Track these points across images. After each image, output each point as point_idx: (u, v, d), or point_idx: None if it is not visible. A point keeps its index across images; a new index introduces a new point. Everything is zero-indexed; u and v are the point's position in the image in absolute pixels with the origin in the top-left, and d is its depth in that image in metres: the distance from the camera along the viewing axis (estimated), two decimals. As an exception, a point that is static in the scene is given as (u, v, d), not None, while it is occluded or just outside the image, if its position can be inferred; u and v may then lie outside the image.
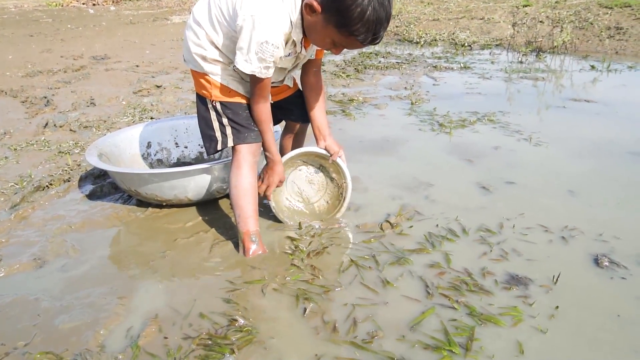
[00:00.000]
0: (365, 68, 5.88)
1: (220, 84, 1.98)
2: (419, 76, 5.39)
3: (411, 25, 8.88)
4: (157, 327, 1.66)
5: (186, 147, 3.01)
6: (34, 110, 4.64)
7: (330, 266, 1.97)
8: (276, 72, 1.98)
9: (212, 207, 2.52)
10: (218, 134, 2.04)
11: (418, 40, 7.67)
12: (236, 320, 1.67)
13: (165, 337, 1.61)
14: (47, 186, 2.88)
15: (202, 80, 2.01)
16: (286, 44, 1.82)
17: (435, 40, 7.65)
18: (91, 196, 2.73)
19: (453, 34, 7.98)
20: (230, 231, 2.28)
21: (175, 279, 1.94)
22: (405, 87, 4.89)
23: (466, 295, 1.75)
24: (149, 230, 2.34)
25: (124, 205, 2.58)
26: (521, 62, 5.94)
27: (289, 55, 1.90)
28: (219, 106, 2.01)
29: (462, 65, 5.79)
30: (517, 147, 3.16)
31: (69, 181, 2.93)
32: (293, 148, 2.40)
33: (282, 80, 2.15)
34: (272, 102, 2.12)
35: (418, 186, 2.66)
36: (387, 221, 2.27)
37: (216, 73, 1.97)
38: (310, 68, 2.16)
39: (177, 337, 1.61)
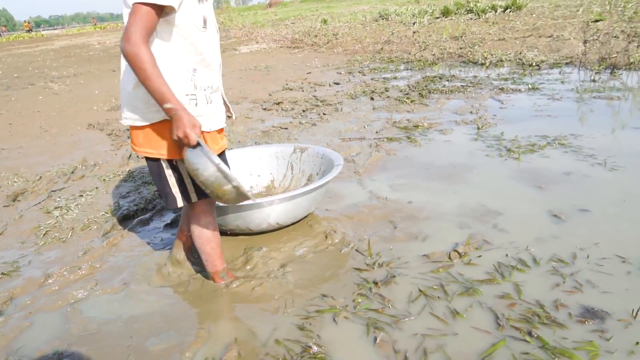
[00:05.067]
0: (430, 92, 5.89)
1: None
2: (484, 99, 5.33)
3: (475, 47, 8.79)
4: (237, 351, 1.77)
5: (259, 176, 3.17)
6: (119, 142, 5.04)
7: (399, 296, 2.02)
8: (209, 24, 1.83)
9: (283, 237, 2.64)
10: (176, 190, 1.94)
11: (483, 61, 7.59)
12: (310, 347, 1.75)
13: (245, 362, 1.72)
14: (133, 215, 3.13)
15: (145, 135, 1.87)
16: None
17: (501, 60, 7.54)
18: (172, 224, 2.94)
19: (520, 53, 7.83)
20: (301, 261, 2.39)
21: (252, 306, 2.06)
22: (471, 111, 4.87)
23: (538, 327, 1.74)
24: (227, 258, 2.48)
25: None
26: (594, 81, 5.73)
27: None
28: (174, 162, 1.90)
29: (530, 86, 5.67)
30: (590, 173, 3.07)
31: (152, 210, 3.17)
32: None
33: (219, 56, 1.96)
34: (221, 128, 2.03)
35: (486, 214, 2.65)
36: (456, 250, 2.29)
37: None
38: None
39: (255, 362, 1.72)
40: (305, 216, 2.76)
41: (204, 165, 1.72)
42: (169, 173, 1.91)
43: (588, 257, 2.15)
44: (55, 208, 3.36)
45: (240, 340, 1.84)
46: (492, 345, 1.68)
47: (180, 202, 1.95)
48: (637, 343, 1.62)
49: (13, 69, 13.49)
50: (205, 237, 2.10)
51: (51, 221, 3.15)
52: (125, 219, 3.08)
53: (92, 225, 3.04)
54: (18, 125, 6.33)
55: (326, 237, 2.57)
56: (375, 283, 2.11)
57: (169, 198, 1.95)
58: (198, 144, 1.73)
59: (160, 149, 1.85)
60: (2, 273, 2.55)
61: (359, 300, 2.01)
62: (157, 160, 1.88)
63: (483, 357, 1.63)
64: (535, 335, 1.69)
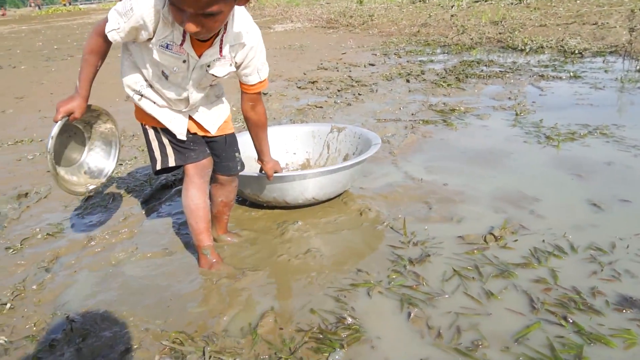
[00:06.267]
0: (467, 77, 5.80)
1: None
2: (523, 86, 5.22)
3: (515, 32, 8.57)
4: (274, 318, 1.82)
5: (294, 154, 3.20)
6: (157, 114, 5.13)
7: (433, 275, 2.03)
8: (172, 79, 1.84)
9: (318, 213, 2.68)
10: (157, 154, 2.06)
11: (523, 47, 7.40)
12: (345, 318, 1.79)
13: (281, 328, 1.77)
14: (171, 185, 3.21)
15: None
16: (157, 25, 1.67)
17: (541, 47, 7.34)
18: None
19: (562, 40, 7.60)
20: (336, 237, 2.42)
21: (287, 277, 2.10)
22: (509, 97, 4.78)
23: (574, 313, 1.73)
24: (263, 229, 2.54)
25: (238, 205, 2.81)
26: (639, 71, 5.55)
27: (167, 48, 1.72)
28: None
29: (571, 74, 5.52)
30: (633, 164, 3.00)
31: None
32: (218, 197, 2.32)
33: (184, 102, 1.95)
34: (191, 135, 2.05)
35: (523, 200, 2.63)
36: (491, 234, 2.28)
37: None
38: (245, 102, 2.11)
39: (291, 329, 1.77)
40: (341, 193, 2.79)
41: (49, 140, 1.93)
42: (152, 137, 2.06)
43: (628, 247, 2.12)
44: (97, 175, 3.46)
45: (276, 309, 1.88)
46: (526, 327, 1.68)
47: (159, 165, 2.07)
48: (677, 333, 1.61)
49: (52, 41, 13.79)
50: (189, 208, 2.10)
51: (92, 187, 3.24)
52: (164, 189, 3.16)
53: (132, 192, 3.13)
54: (58, 95, 6.49)
55: (361, 214, 2.59)
56: (410, 261, 2.13)
57: (152, 161, 2.10)
58: (56, 123, 1.92)
59: (143, 118, 2.04)
60: (48, 234, 2.66)
61: (393, 276, 2.03)
62: (144, 126, 2.06)
63: (517, 337, 1.64)
64: (571, 320, 1.69)
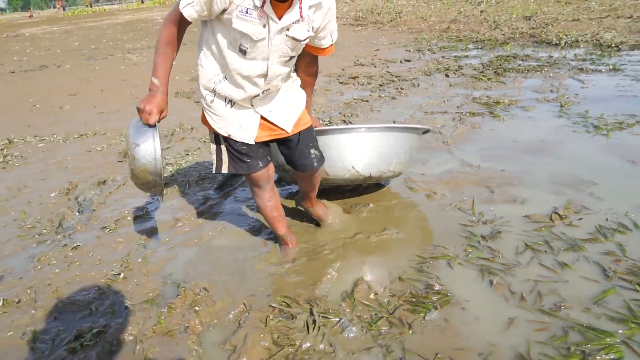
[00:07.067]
0: (505, 71, 5.92)
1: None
2: (563, 79, 5.33)
3: (549, 27, 8.63)
4: (367, 286, 2.02)
5: None
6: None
7: (506, 248, 2.21)
8: (251, 52, 1.80)
9: (386, 196, 2.86)
10: (214, 157, 2.12)
11: (558, 41, 7.48)
12: (432, 285, 1.98)
13: (375, 293, 1.97)
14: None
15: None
16: None
17: (576, 41, 7.41)
18: (276, 182, 3.21)
19: (597, 34, 7.65)
20: (408, 217, 2.61)
21: (371, 254, 2.30)
22: (551, 90, 4.90)
23: (646, 280, 1.90)
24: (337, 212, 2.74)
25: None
26: (679, 63, 5.61)
27: (247, 13, 1.71)
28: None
29: (610, 66, 5.61)
30: (683, 150, 3.13)
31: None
32: (301, 182, 2.34)
33: (261, 81, 1.89)
34: (264, 140, 2.05)
35: (581, 184, 2.78)
36: (556, 213, 2.45)
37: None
38: (304, 62, 2.10)
39: (384, 294, 1.96)
40: (396, 175, 2.69)
41: (146, 145, 1.77)
42: (212, 139, 2.11)
43: (689, 224, 2.27)
44: (168, 164, 3.71)
45: (366, 279, 2.08)
46: (602, 292, 1.85)
47: (214, 169, 2.13)
48: None
49: (88, 41, 14.20)
50: (257, 205, 2.28)
51: (166, 175, 3.49)
52: (234, 176, 3.38)
53: (204, 180, 3.37)
54: (109, 92, 6.80)
55: (427, 196, 2.78)
56: (482, 237, 2.31)
57: (213, 163, 2.14)
58: (154, 126, 1.79)
59: (208, 122, 2.04)
60: (136, 216, 2.91)
61: (469, 250, 2.22)
62: (210, 129, 2.07)
63: (595, 300, 1.81)
64: (644, 286, 1.86)
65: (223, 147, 2.08)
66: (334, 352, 1.68)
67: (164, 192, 1.81)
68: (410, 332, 1.75)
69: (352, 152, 2.45)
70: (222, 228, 2.66)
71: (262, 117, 2.01)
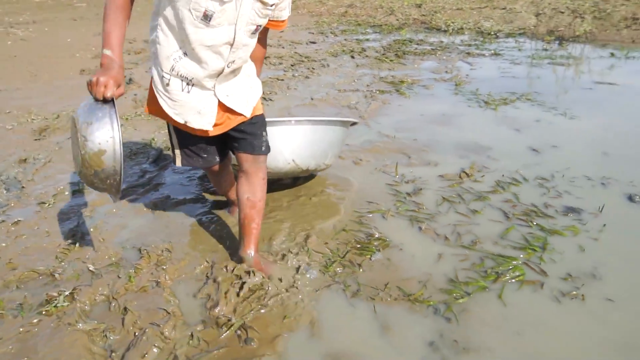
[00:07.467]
0: (404, 54, 6.48)
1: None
2: (455, 61, 5.99)
3: (437, 14, 9.44)
4: (317, 237, 2.31)
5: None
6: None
7: (428, 202, 2.62)
8: (217, 17, 1.65)
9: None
10: (171, 150, 2.16)
11: (446, 28, 8.25)
12: (373, 234, 2.32)
13: (326, 243, 2.27)
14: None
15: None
16: None
17: (462, 28, 8.23)
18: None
19: (478, 22, 8.55)
20: (341, 180, 2.93)
21: (312, 209, 2.59)
22: (446, 71, 5.51)
23: (536, 219, 2.40)
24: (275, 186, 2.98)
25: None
26: (546, 50, 6.53)
27: None
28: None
29: (492, 51, 6.39)
30: (555, 120, 3.79)
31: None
32: (244, 194, 2.05)
33: (232, 47, 1.74)
34: (221, 132, 1.95)
35: (480, 149, 3.29)
36: (464, 172, 2.91)
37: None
38: (260, 39, 1.97)
39: (333, 243, 2.27)
40: (328, 167, 2.76)
41: (101, 123, 1.53)
42: (168, 130, 2.10)
43: (563, 176, 2.84)
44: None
45: (315, 232, 2.37)
46: (505, 229, 2.32)
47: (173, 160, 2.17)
48: (604, 225, 2.31)
49: None
50: (214, 185, 2.48)
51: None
52: (169, 149, 3.47)
53: (138, 154, 3.42)
54: (2, 70, 6.31)
55: (355, 163, 3.12)
56: (408, 194, 2.70)
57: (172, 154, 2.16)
58: (111, 102, 1.58)
59: (159, 111, 1.90)
60: (75, 190, 2.91)
61: (398, 204, 2.59)
62: (162, 118, 1.95)
63: (501, 235, 2.27)
64: (535, 223, 2.35)
65: (175, 141, 2.09)
66: (299, 291, 1.95)
67: (121, 186, 1.64)
68: (361, 270, 2.07)
69: (289, 144, 2.46)
70: (167, 197, 2.78)
71: (219, 104, 1.88)
